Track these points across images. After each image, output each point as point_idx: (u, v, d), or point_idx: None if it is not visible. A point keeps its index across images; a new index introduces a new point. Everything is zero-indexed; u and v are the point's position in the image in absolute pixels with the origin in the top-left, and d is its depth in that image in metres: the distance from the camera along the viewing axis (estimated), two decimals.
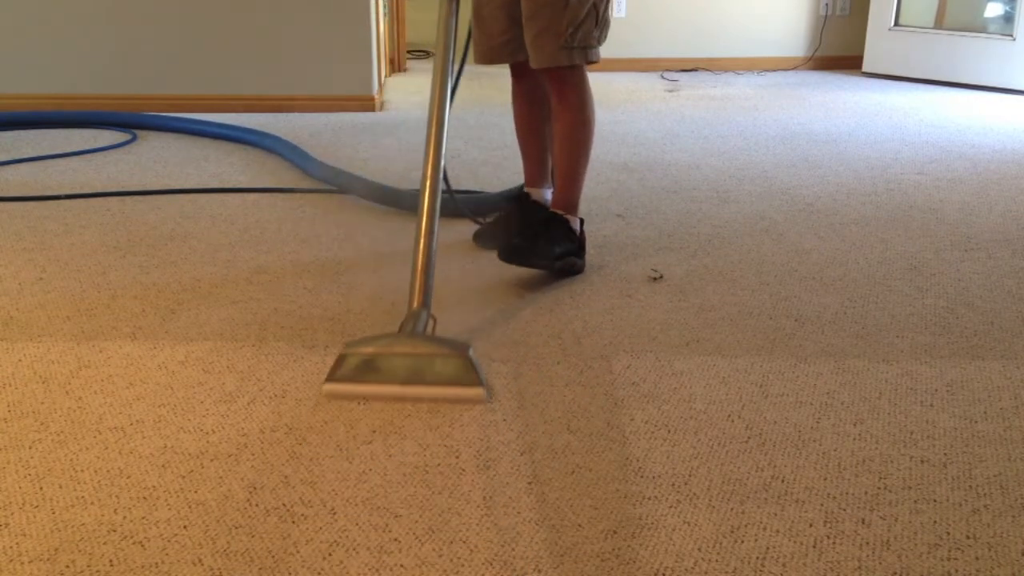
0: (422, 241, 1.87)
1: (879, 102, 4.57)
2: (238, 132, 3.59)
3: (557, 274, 2.23)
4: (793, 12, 5.50)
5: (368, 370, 1.68)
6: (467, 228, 2.60)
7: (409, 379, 1.67)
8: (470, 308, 2.07)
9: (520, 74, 2.37)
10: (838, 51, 5.55)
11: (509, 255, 2.16)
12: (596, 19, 2.16)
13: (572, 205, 2.27)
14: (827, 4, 5.48)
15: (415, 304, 1.82)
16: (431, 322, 1.81)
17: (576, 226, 2.27)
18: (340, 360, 1.68)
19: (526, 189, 2.49)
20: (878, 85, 5.04)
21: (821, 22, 5.52)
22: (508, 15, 2.22)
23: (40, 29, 4.02)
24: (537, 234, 2.21)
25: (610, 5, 2.21)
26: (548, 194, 2.47)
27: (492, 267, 2.31)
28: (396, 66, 5.28)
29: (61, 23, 4.02)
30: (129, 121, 3.76)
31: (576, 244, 2.26)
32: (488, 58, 2.33)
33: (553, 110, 2.26)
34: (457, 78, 2.21)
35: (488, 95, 4.63)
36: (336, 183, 2.91)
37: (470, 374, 1.66)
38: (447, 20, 2.06)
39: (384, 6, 4.72)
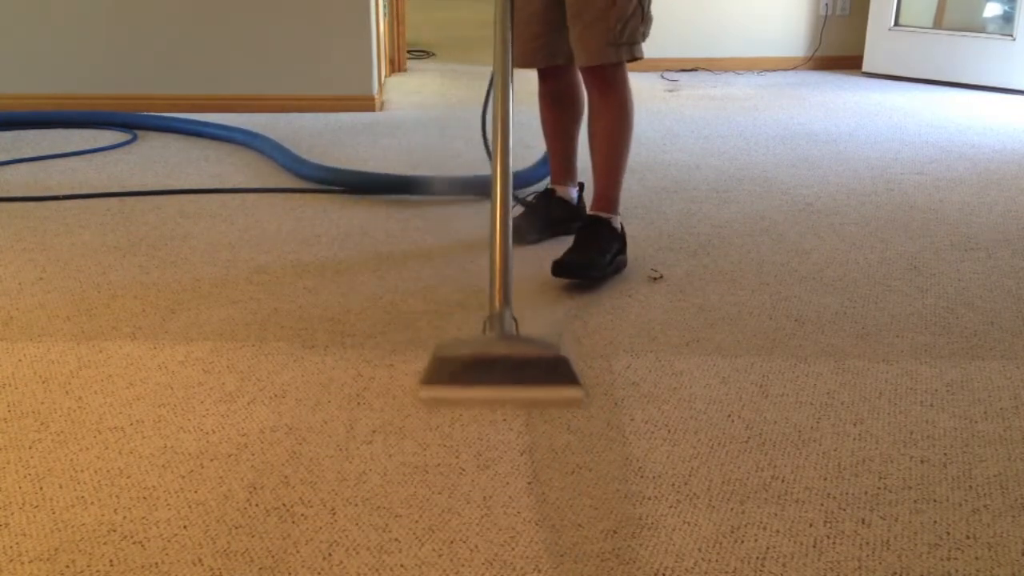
0: (498, 237, 1.74)
1: (879, 102, 4.56)
2: (241, 135, 3.57)
3: (607, 278, 2.24)
4: (793, 12, 5.50)
5: (465, 373, 1.53)
6: (460, 227, 2.59)
7: (506, 380, 1.53)
8: (471, 308, 2.07)
9: (548, 76, 2.38)
10: (838, 51, 5.55)
11: (565, 271, 2.17)
12: (642, 15, 2.17)
13: (613, 203, 2.29)
14: (827, 4, 5.48)
15: (497, 304, 1.69)
16: (514, 322, 1.67)
17: (617, 224, 2.29)
18: (435, 363, 1.52)
19: (551, 185, 2.54)
20: (878, 85, 5.04)
21: (821, 22, 5.51)
22: (544, 19, 2.23)
23: (40, 29, 4.02)
24: (589, 247, 2.22)
25: (652, 1, 2.21)
26: (573, 192, 2.52)
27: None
28: (396, 66, 5.28)
29: (61, 23, 4.02)
30: (129, 121, 3.76)
31: (620, 242, 2.29)
32: (523, 61, 2.31)
33: (594, 109, 2.26)
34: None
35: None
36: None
37: (567, 374, 1.51)
38: (504, 18, 1.93)
39: (384, 6, 4.72)
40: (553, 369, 1.53)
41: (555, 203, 2.52)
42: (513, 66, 2.34)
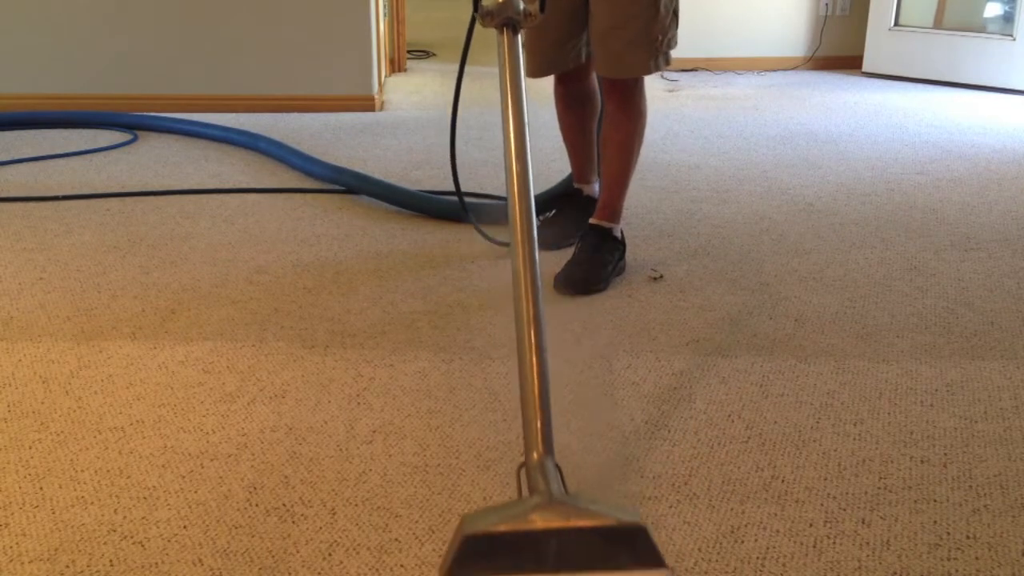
0: (532, 363, 1.32)
1: (879, 102, 4.56)
2: (243, 137, 3.57)
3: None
4: (793, 12, 5.50)
5: (503, 556, 1.19)
6: (459, 226, 2.60)
7: (563, 563, 1.18)
8: (471, 308, 2.07)
9: (567, 79, 2.35)
10: (838, 51, 5.55)
11: (568, 287, 2.16)
12: (677, 20, 2.17)
13: (617, 213, 2.28)
14: (827, 4, 5.48)
15: (536, 453, 1.28)
16: (559, 474, 1.29)
17: (619, 233, 2.28)
18: (461, 544, 1.19)
19: (576, 185, 2.52)
20: (878, 85, 5.04)
21: (821, 22, 5.51)
22: (568, 27, 2.19)
23: (40, 29, 4.02)
24: (591, 259, 2.21)
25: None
26: (597, 187, 2.50)
27: (492, 267, 2.31)
28: (396, 66, 5.28)
29: (61, 23, 4.02)
30: (129, 121, 3.76)
31: (621, 250, 2.28)
32: (543, 70, 2.27)
33: (610, 117, 2.23)
34: (459, 81, 2.16)
35: (488, 95, 4.63)
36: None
37: (646, 551, 1.19)
38: (514, 59, 1.61)
39: (384, 6, 4.72)
40: (626, 545, 1.19)
41: (584, 202, 2.48)
42: (533, 76, 2.29)
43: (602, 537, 1.17)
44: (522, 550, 1.16)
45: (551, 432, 1.29)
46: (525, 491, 1.26)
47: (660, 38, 2.12)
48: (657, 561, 1.15)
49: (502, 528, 1.17)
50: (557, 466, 1.27)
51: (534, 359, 1.33)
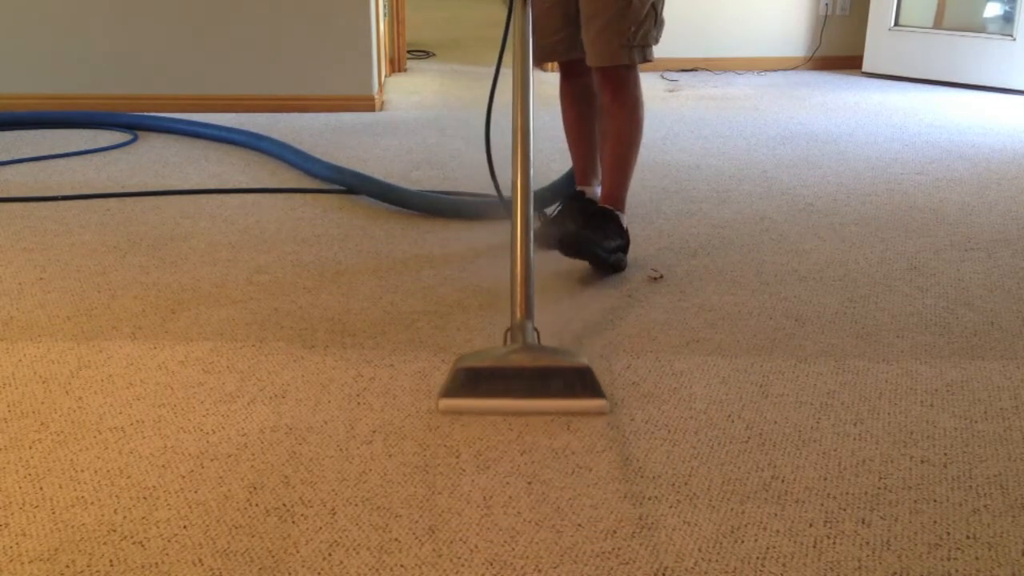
0: (519, 250, 1.81)
1: (879, 102, 4.56)
2: (244, 137, 3.57)
3: (605, 269, 2.25)
4: (793, 12, 5.50)
5: (485, 384, 1.63)
6: (460, 226, 2.60)
7: (528, 392, 1.62)
8: (471, 308, 2.08)
9: (570, 74, 2.41)
10: (838, 51, 5.54)
11: (572, 246, 2.19)
12: (655, 19, 2.22)
13: (621, 202, 2.32)
14: (827, 4, 5.47)
15: (519, 315, 1.75)
16: (536, 333, 1.75)
17: (625, 223, 2.31)
18: (455, 374, 1.63)
19: (579, 187, 2.54)
20: (878, 85, 5.04)
21: (821, 22, 5.51)
22: (562, 13, 2.27)
23: (40, 29, 4.02)
24: (596, 229, 2.24)
25: (664, 5, 2.25)
26: (599, 190, 2.52)
27: (492, 267, 2.31)
28: (396, 66, 5.28)
29: (61, 23, 4.02)
30: (129, 121, 3.76)
31: (624, 240, 2.29)
32: (542, 56, 2.34)
33: (605, 108, 2.29)
34: (495, 78, 2.25)
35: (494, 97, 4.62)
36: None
37: (591, 386, 1.62)
38: (523, 25, 2.03)
39: (384, 6, 4.72)
40: (577, 380, 1.62)
41: (586, 204, 2.47)
42: (532, 62, 2.35)
43: (559, 374, 1.63)
44: (500, 380, 1.62)
45: (532, 302, 1.77)
46: (512, 343, 1.70)
47: (633, 29, 2.16)
48: (598, 393, 1.61)
49: (486, 364, 1.64)
50: (535, 328, 1.74)
51: (521, 251, 1.79)
